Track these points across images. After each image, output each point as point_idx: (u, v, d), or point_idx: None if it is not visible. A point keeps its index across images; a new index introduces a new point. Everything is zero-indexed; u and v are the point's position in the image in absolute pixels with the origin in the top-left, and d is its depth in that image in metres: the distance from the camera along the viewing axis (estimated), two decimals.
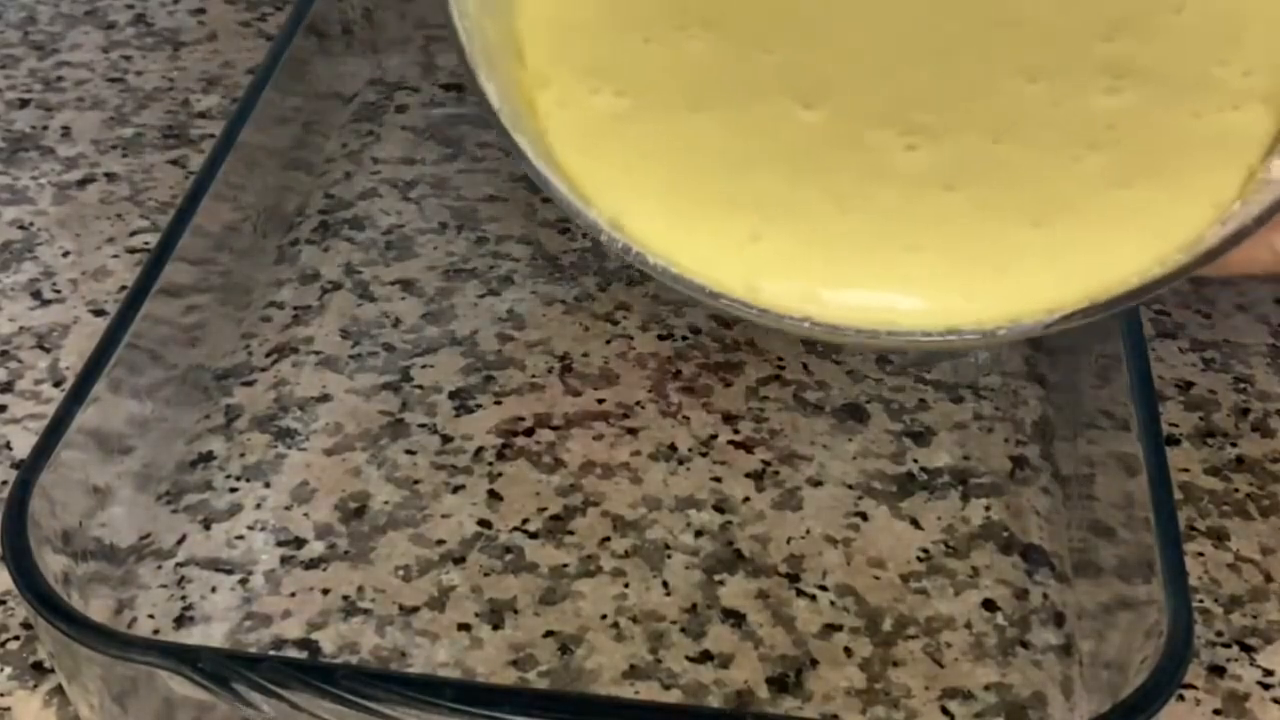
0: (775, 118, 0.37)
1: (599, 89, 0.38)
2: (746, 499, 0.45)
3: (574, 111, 0.38)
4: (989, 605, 0.42)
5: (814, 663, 0.40)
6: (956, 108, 0.37)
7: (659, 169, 0.37)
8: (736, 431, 0.47)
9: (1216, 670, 0.41)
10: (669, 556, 0.43)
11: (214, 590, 0.42)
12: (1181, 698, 0.40)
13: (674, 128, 0.37)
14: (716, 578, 0.43)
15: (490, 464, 0.46)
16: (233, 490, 0.45)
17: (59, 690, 0.40)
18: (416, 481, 0.45)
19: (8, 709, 0.39)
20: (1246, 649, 0.41)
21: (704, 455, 0.46)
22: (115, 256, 0.54)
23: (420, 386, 0.49)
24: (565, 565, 0.43)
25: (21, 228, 0.56)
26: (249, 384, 0.49)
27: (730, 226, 0.36)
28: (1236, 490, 0.46)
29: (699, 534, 0.44)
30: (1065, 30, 0.38)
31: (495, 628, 0.41)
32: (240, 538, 0.44)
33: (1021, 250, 0.35)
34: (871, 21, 0.39)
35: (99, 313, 0.52)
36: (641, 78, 0.38)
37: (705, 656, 0.40)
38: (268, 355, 0.50)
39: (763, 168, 0.36)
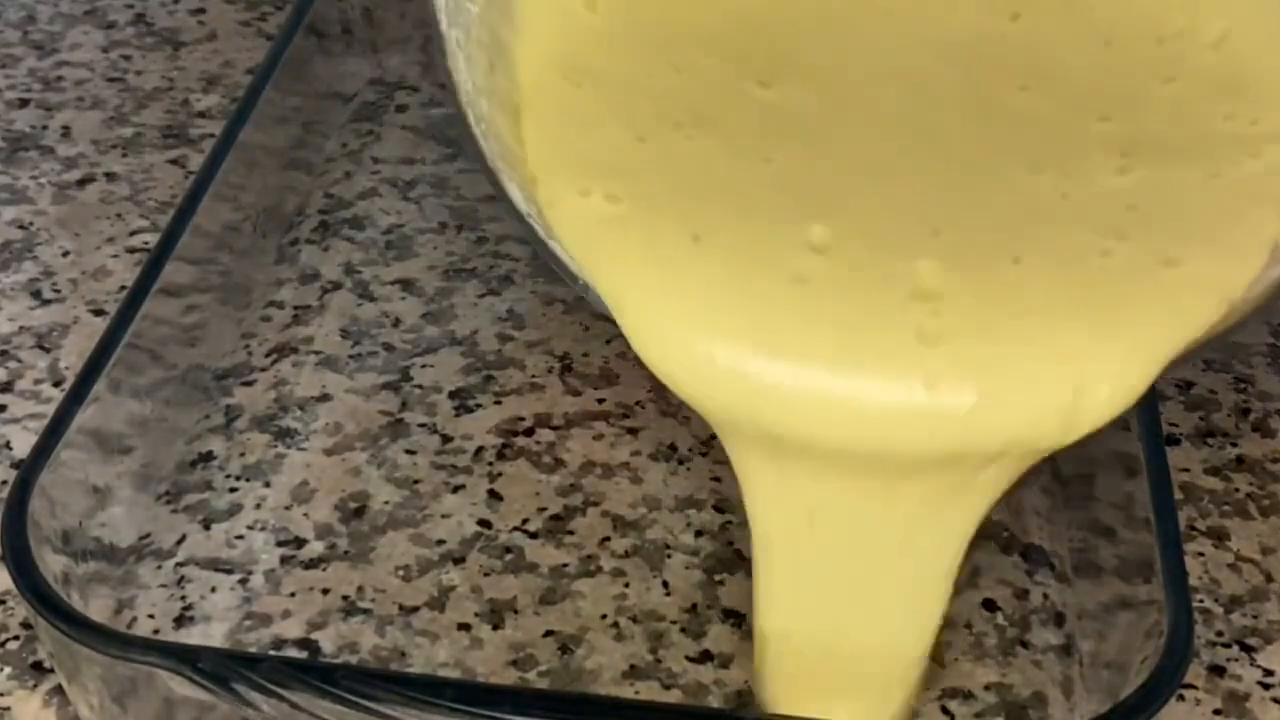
0: (781, 248, 0.34)
1: (589, 190, 0.35)
2: None
3: (563, 211, 0.35)
4: (989, 605, 0.42)
5: None
6: (969, 228, 0.34)
7: (661, 287, 0.34)
8: None
9: (1216, 670, 0.41)
10: (669, 556, 0.43)
11: (214, 590, 0.42)
12: (1181, 698, 0.40)
13: (674, 247, 0.34)
14: (716, 578, 0.43)
15: (490, 464, 0.46)
16: (232, 490, 0.45)
17: (59, 690, 0.40)
18: (416, 481, 0.45)
19: (7, 709, 0.39)
20: (1247, 649, 0.41)
21: (704, 455, 0.46)
22: (115, 256, 0.54)
23: (420, 386, 0.49)
24: (565, 565, 0.43)
25: (21, 227, 0.56)
26: (249, 384, 0.49)
27: (742, 380, 0.33)
28: (1237, 490, 0.46)
29: (699, 534, 0.44)
30: (1059, 117, 0.36)
31: (495, 628, 0.41)
32: (240, 538, 0.44)
33: (1082, 381, 0.32)
34: (862, 117, 0.37)
35: (99, 312, 0.52)
36: (635, 182, 0.35)
37: (705, 656, 0.40)
38: (268, 355, 0.50)
39: (771, 311, 0.33)
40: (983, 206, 0.35)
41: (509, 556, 0.43)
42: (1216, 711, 0.40)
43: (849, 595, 0.36)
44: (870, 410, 0.32)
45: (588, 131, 0.37)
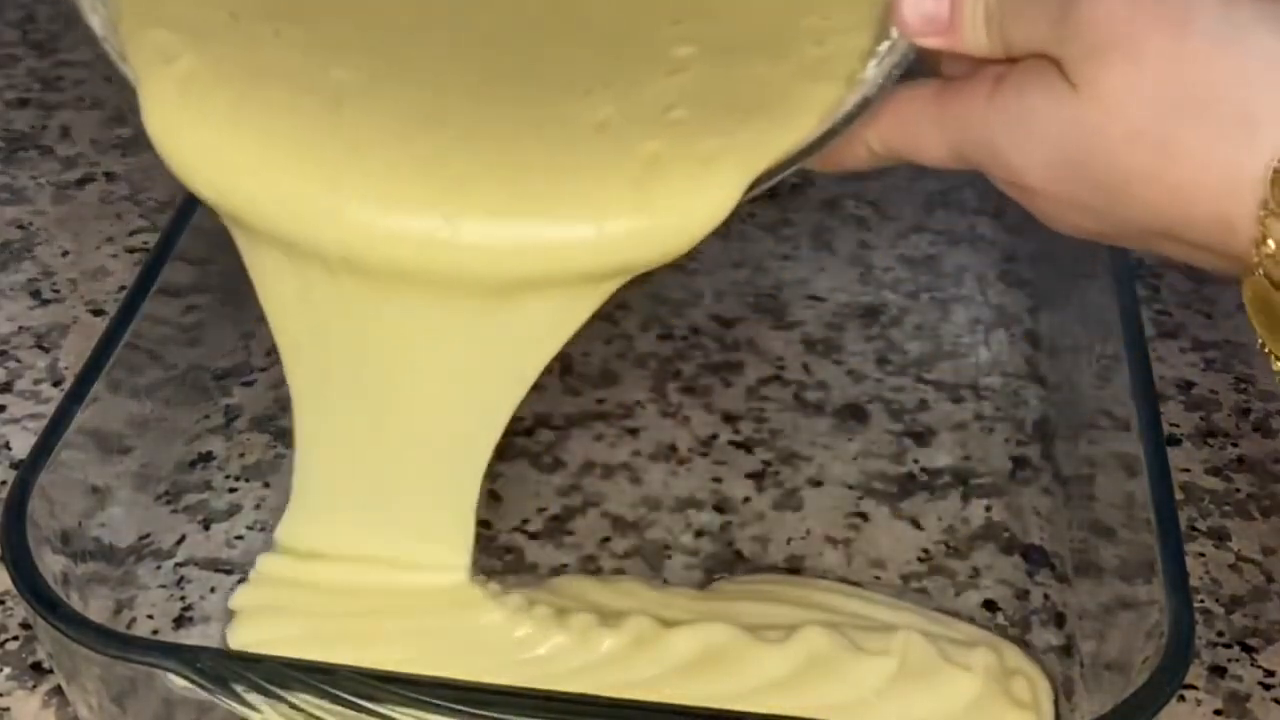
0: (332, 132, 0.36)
1: (173, 59, 0.36)
2: (746, 499, 0.45)
3: (141, 60, 0.37)
4: (990, 605, 0.42)
5: None
6: (507, 119, 0.36)
7: (209, 129, 0.36)
8: (736, 431, 0.47)
9: (1217, 670, 0.41)
10: (669, 556, 0.43)
11: (213, 590, 0.42)
12: (1182, 698, 0.40)
13: (236, 117, 0.36)
14: (716, 578, 0.42)
15: (490, 464, 0.46)
16: (232, 490, 0.45)
17: (58, 690, 0.40)
18: None
19: (7, 709, 0.39)
20: (1247, 649, 0.41)
21: (704, 455, 0.46)
22: (114, 256, 0.54)
23: None
24: (565, 565, 0.43)
25: (20, 227, 0.56)
26: (248, 384, 0.48)
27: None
28: (1237, 490, 0.46)
29: (699, 534, 0.44)
30: (632, 23, 0.38)
31: None
32: (240, 538, 0.43)
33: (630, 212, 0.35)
34: (444, 31, 0.38)
35: (98, 312, 0.52)
36: (215, 62, 0.37)
37: None
38: (267, 355, 0.50)
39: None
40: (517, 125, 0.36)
41: (509, 556, 0.43)
42: (1217, 712, 0.40)
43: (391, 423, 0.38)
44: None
45: None
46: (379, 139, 0.35)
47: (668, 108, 0.36)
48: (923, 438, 0.47)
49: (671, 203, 0.34)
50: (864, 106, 0.35)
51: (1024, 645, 0.40)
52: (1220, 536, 0.44)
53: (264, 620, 0.39)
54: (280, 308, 0.38)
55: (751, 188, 0.35)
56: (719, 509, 0.44)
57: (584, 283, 0.36)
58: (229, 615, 0.39)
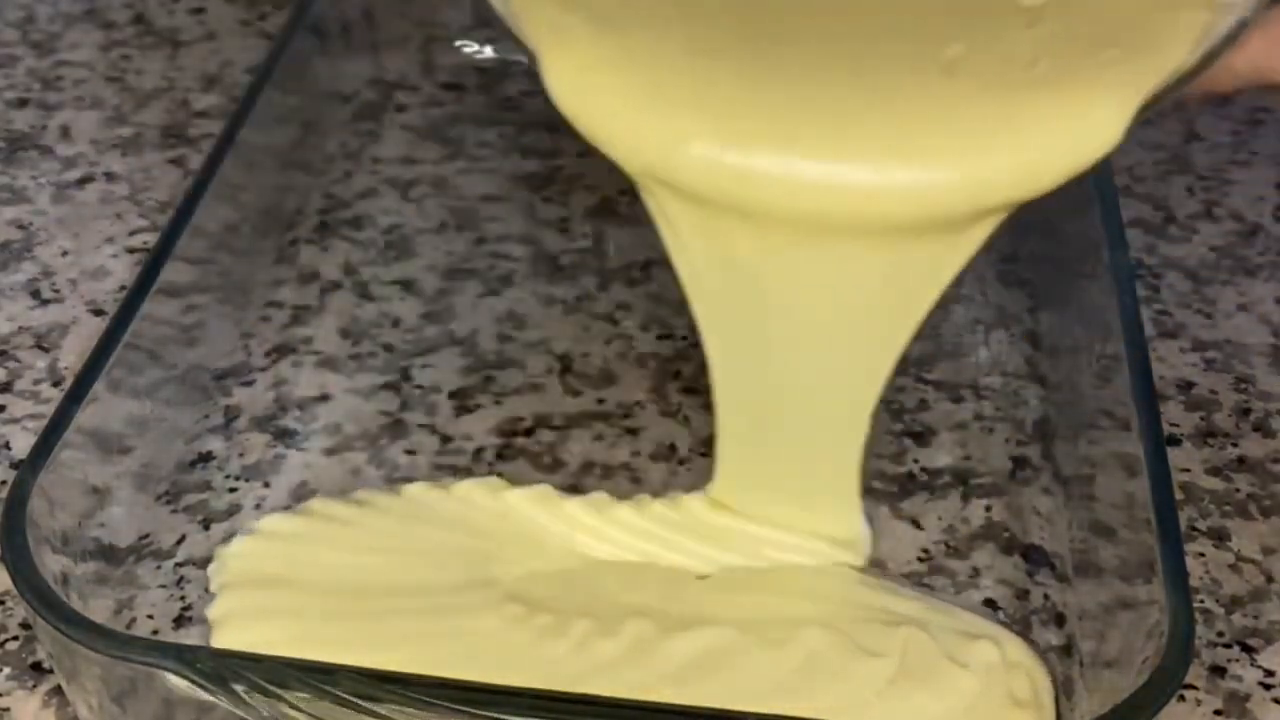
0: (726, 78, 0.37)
1: (569, 37, 0.37)
2: None
3: (534, 31, 0.38)
4: (989, 605, 0.42)
5: None
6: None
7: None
8: None
9: (1217, 671, 0.41)
10: None
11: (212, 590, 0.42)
12: (1182, 698, 0.40)
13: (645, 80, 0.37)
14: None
15: (490, 464, 0.46)
16: (232, 490, 0.45)
17: (58, 690, 0.40)
18: (416, 482, 0.45)
19: (7, 709, 0.39)
20: (1247, 649, 0.41)
21: (704, 455, 0.46)
22: (114, 256, 0.54)
23: (420, 386, 0.49)
24: None
25: (20, 227, 0.56)
26: (248, 384, 0.49)
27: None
28: (1238, 490, 0.46)
29: None
30: None
31: None
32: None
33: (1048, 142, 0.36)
34: (799, 19, 0.38)
35: (98, 312, 0.52)
36: (614, 42, 0.37)
37: None
38: (267, 355, 0.50)
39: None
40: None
41: None
42: (1217, 712, 0.40)
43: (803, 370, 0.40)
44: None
45: None
46: (779, 105, 0.36)
47: (1032, 63, 0.36)
48: (923, 438, 0.47)
49: (1059, 141, 0.35)
50: (1240, 29, 0.35)
51: (1026, 641, 0.40)
52: (1220, 536, 0.44)
53: (250, 623, 0.39)
54: (693, 268, 0.39)
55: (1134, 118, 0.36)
56: None
57: (972, 220, 0.37)
58: (208, 623, 0.40)
